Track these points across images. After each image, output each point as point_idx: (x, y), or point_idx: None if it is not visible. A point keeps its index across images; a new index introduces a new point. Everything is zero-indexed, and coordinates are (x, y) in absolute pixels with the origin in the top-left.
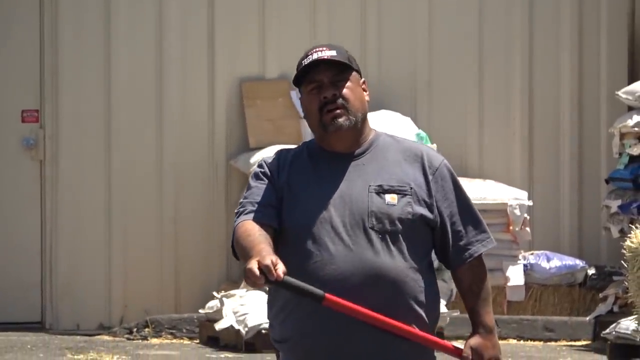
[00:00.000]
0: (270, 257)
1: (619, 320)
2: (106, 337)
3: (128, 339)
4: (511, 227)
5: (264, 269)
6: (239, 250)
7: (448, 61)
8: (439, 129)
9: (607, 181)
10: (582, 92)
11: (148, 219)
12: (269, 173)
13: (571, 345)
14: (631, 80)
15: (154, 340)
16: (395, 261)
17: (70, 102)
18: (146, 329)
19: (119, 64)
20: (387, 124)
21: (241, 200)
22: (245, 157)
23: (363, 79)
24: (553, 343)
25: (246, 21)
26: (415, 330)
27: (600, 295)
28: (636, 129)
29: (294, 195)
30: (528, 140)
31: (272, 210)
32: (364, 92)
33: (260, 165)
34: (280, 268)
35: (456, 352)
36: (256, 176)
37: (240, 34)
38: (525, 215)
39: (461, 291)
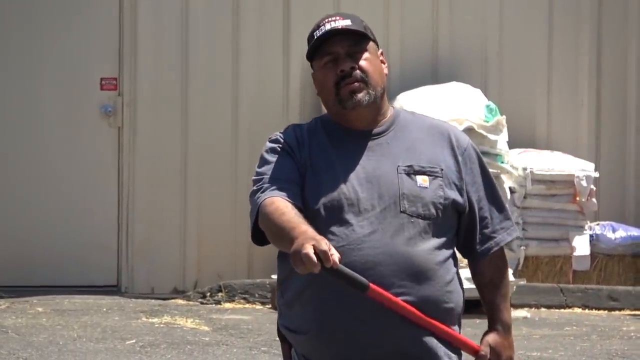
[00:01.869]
0: (325, 242)
1: None
2: (180, 301)
3: (202, 303)
4: (578, 198)
5: (321, 255)
6: (273, 231)
7: (518, 33)
8: (509, 101)
9: None
10: None
11: (222, 185)
12: (288, 148)
13: (634, 315)
14: None
15: (227, 305)
16: (428, 250)
17: (148, 71)
18: (219, 294)
19: (196, 32)
20: (458, 96)
21: (256, 176)
22: None
23: (381, 50)
24: (617, 312)
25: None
26: (449, 329)
27: None
28: None
29: (317, 175)
30: (595, 113)
31: (297, 189)
32: (383, 65)
33: (276, 140)
34: (336, 254)
35: (473, 349)
36: (273, 150)
37: (314, 13)
38: (592, 186)
39: (480, 283)
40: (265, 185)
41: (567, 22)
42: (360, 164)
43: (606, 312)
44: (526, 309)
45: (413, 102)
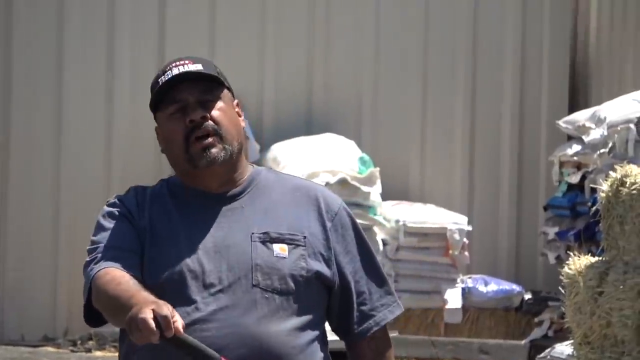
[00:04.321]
0: (167, 306)
1: (554, 345)
2: (50, 349)
3: (72, 351)
4: (450, 251)
5: (161, 321)
6: (106, 303)
7: (392, 85)
8: (382, 153)
9: (545, 208)
10: (523, 121)
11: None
12: (127, 212)
13: None
14: (571, 110)
15: (98, 353)
16: (284, 330)
17: (21, 112)
18: (90, 342)
19: (70, 72)
20: (332, 147)
21: (90, 245)
22: None
23: (236, 100)
24: None
25: (195, 40)
26: None
27: (536, 319)
28: (575, 158)
29: (157, 244)
30: (469, 166)
31: (136, 259)
32: (239, 117)
33: (113, 204)
34: (179, 321)
35: None
36: (110, 215)
37: (191, 49)
38: (465, 239)
39: None
40: (99, 255)
41: (441, 75)
42: (210, 232)
43: None
44: None
45: (287, 152)
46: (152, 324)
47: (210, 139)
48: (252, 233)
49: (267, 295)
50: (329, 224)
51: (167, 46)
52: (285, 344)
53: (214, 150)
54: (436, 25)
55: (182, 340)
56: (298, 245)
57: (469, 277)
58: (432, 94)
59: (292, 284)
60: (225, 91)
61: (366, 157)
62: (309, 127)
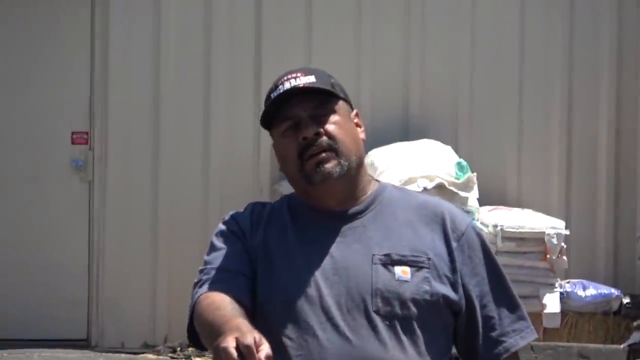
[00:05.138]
0: (252, 335)
1: None
2: (150, 356)
3: (172, 357)
4: (548, 256)
5: (244, 350)
6: (203, 328)
7: (489, 91)
8: (479, 158)
9: None
10: (620, 126)
11: (192, 240)
12: (239, 231)
13: None
14: None
15: None
16: (409, 356)
17: (119, 126)
18: (190, 349)
19: (167, 89)
20: (429, 152)
21: (202, 266)
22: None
23: (355, 111)
24: None
25: (291, 47)
26: None
27: (635, 323)
28: None
29: (271, 264)
30: (566, 170)
31: (245, 281)
32: (358, 128)
33: (227, 222)
34: (265, 350)
35: None
36: (222, 235)
37: (287, 56)
38: (562, 244)
39: None
40: (205, 278)
41: (538, 82)
42: (328, 252)
43: None
44: None
45: (385, 158)
46: (234, 353)
47: (324, 154)
48: (374, 254)
49: (387, 322)
50: (454, 244)
51: (264, 53)
52: None
53: (328, 165)
54: (532, 31)
55: None
56: (422, 268)
57: (567, 282)
58: (529, 97)
59: (414, 309)
60: (341, 103)
61: (463, 163)
62: (406, 133)
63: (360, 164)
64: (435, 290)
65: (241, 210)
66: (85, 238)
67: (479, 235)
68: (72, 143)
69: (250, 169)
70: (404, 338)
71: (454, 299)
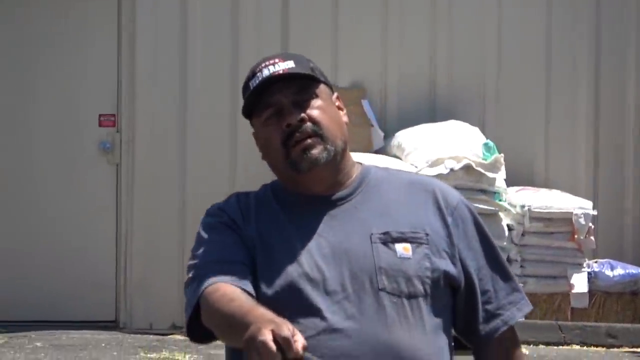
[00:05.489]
0: (287, 325)
1: None
2: (178, 337)
3: None
4: (576, 236)
5: (282, 342)
6: (219, 322)
7: (516, 72)
8: (506, 139)
9: None
10: None
11: None
12: (230, 221)
13: (633, 352)
14: None
15: None
16: (416, 336)
17: (147, 108)
18: None
19: (194, 71)
20: (456, 134)
21: (192, 260)
22: None
23: (336, 94)
24: (615, 349)
25: (318, 29)
26: None
27: None
28: None
29: (270, 251)
30: (593, 151)
31: (246, 270)
32: (341, 111)
33: (213, 213)
34: (301, 340)
35: None
36: (212, 226)
37: (312, 43)
38: (590, 224)
39: None
40: (202, 272)
41: (565, 61)
42: (323, 236)
43: (605, 349)
44: (524, 346)
45: (411, 139)
46: (273, 347)
47: (309, 140)
48: (372, 234)
49: (394, 300)
50: (449, 219)
51: (291, 37)
52: (420, 351)
53: (314, 151)
54: (559, 10)
55: None
56: (421, 244)
57: (595, 262)
58: (556, 78)
59: (420, 286)
60: (322, 86)
61: (490, 143)
62: (433, 114)
63: (345, 148)
64: (436, 266)
65: (221, 202)
66: (113, 220)
67: (470, 209)
68: (100, 125)
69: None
70: (411, 317)
71: (454, 274)
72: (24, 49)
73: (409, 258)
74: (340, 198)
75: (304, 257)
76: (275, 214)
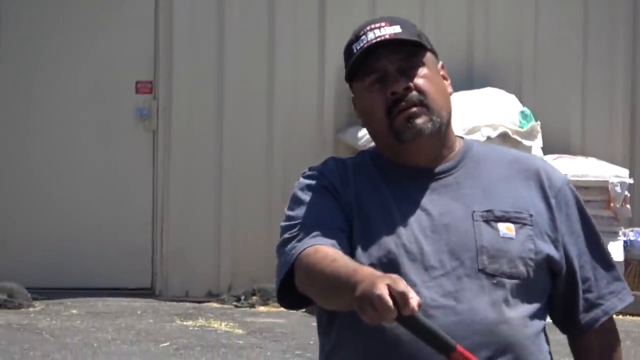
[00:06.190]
0: (402, 281)
1: None
2: (214, 305)
3: (236, 306)
4: (612, 204)
5: (398, 297)
6: (322, 284)
7: (553, 40)
8: (543, 107)
9: None
10: None
11: (257, 189)
12: (330, 186)
13: None
14: None
15: (261, 308)
16: (516, 318)
17: (184, 76)
18: (254, 297)
19: (231, 37)
20: (493, 101)
21: (287, 221)
22: (353, 131)
23: (441, 63)
24: None
25: (355, 5)
26: None
27: None
28: None
29: (368, 220)
30: (630, 119)
31: (344, 237)
32: (445, 81)
33: (312, 176)
34: (415, 297)
35: None
36: (310, 188)
37: (349, 8)
38: (626, 192)
39: None
40: (302, 234)
41: (602, 28)
42: (423, 209)
43: None
44: None
45: None
46: (390, 301)
47: (415, 109)
48: (474, 211)
49: (495, 281)
50: (553, 202)
51: (327, 12)
52: (519, 332)
53: (419, 120)
54: None
55: (419, 321)
56: (525, 225)
57: (631, 230)
58: (593, 45)
59: (522, 268)
60: (429, 54)
61: (527, 111)
62: (470, 82)
63: (449, 120)
64: (539, 249)
65: (319, 165)
66: (149, 187)
67: (574, 192)
68: (137, 92)
69: (314, 119)
70: (511, 298)
71: (557, 258)
72: (62, 17)
73: (512, 238)
74: (442, 171)
75: (402, 229)
76: (375, 181)
